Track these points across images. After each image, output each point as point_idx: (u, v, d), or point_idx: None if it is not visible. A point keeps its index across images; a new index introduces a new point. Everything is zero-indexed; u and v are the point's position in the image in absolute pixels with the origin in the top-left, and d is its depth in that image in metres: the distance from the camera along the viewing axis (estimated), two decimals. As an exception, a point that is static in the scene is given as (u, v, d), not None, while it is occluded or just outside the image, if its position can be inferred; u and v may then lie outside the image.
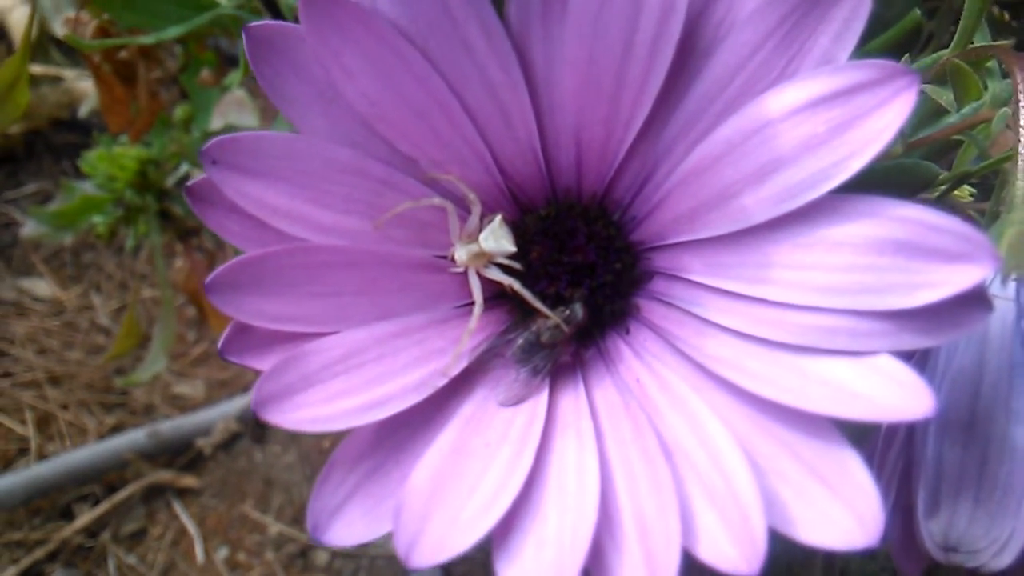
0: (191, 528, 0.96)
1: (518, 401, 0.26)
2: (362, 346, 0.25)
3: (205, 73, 0.63)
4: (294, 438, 1.00)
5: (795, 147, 0.23)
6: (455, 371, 0.26)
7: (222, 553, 0.94)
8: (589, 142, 0.27)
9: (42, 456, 1.00)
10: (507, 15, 0.25)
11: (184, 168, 0.66)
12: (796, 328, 0.24)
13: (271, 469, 1.00)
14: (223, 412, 1.02)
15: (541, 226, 0.28)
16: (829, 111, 0.23)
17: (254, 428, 1.02)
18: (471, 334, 0.26)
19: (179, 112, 0.67)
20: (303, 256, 0.25)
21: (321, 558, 0.93)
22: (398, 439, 0.25)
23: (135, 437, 1.00)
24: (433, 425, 0.26)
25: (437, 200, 0.27)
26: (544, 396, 0.26)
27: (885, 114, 0.22)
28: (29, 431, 1.02)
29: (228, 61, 0.66)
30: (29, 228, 0.68)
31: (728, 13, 0.24)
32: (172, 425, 1.01)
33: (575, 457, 0.24)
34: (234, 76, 0.53)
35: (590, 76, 0.25)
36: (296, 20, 0.25)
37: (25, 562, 0.92)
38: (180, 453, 1.01)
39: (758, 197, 0.24)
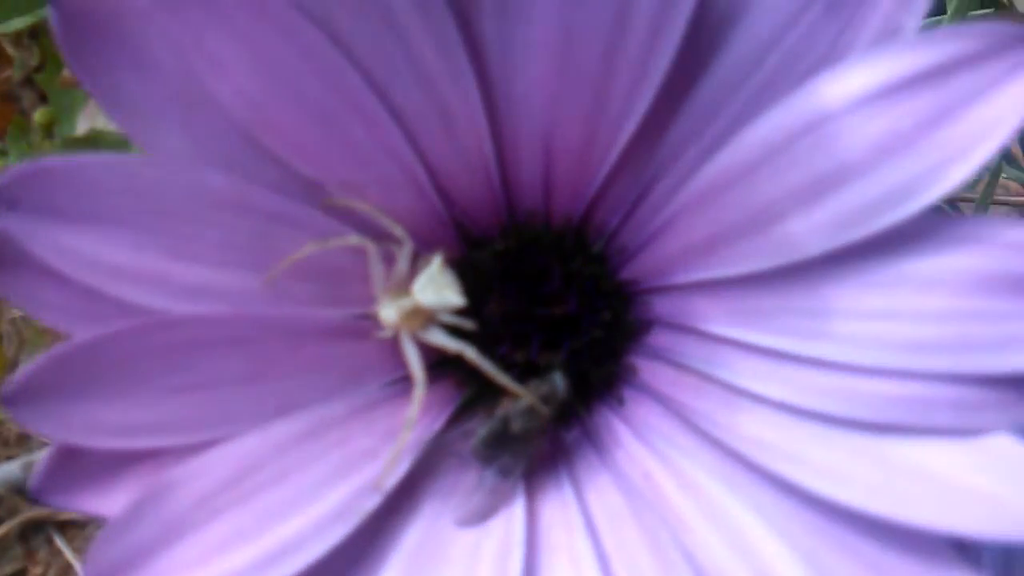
0: (76, 564, 0.85)
1: (483, 517, 0.19)
2: (255, 461, 0.18)
3: (67, 72, 0.54)
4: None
5: (867, 152, 0.16)
6: (391, 482, 0.18)
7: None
8: (563, 148, 0.19)
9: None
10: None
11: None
12: (873, 400, 0.17)
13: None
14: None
15: (498, 265, 0.20)
16: (915, 99, 0.16)
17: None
18: (412, 425, 0.19)
19: (39, 116, 0.57)
20: (160, 335, 0.17)
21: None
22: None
23: (9, 470, 0.88)
24: (365, 567, 0.18)
25: (353, 239, 0.19)
26: (519, 507, 0.19)
27: (998, 99, 0.16)
28: None
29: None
30: None
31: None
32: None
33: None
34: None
35: (566, 57, 0.18)
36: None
37: None
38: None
39: (812, 221, 0.17)
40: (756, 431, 0.18)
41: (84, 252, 0.17)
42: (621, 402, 0.20)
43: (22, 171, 0.16)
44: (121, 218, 0.17)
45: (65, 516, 0.86)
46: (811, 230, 0.17)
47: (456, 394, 0.20)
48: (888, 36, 0.17)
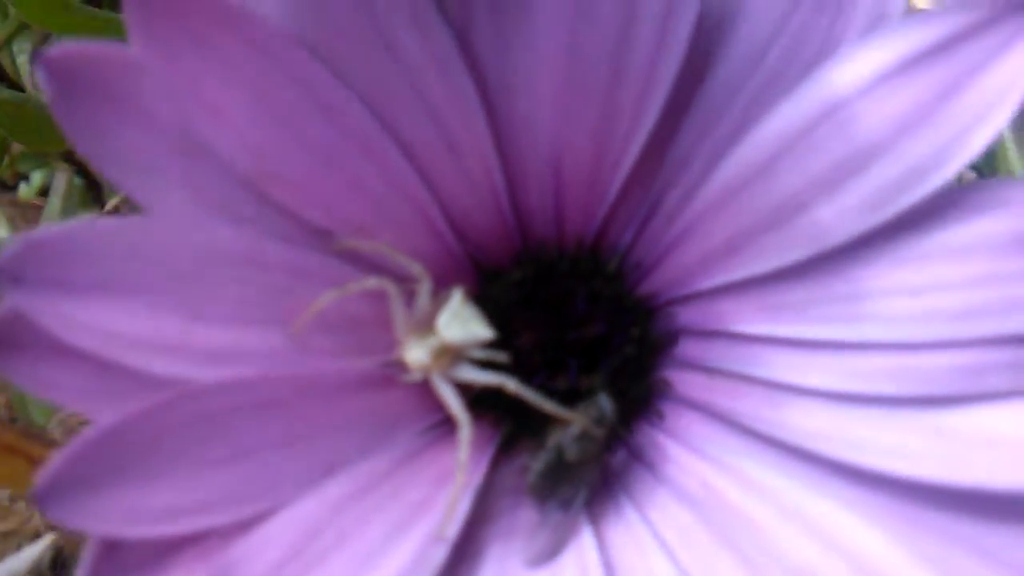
0: None
1: (553, 554, 0.18)
2: (315, 526, 0.16)
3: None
4: None
5: (886, 131, 0.17)
6: (454, 529, 0.17)
7: None
8: (572, 170, 0.19)
9: None
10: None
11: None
12: (924, 374, 0.17)
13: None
14: (10, 570, 0.83)
15: (518, 295, 0.20)
16: (927, 73, 0.17)
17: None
18: (464, 468, 0.18)
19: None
20: (188, 407, 0.16)
21: None
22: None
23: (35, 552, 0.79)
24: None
25: (371, 281, 0.18)
26: (587, 536, 0.18)
27: (1006, 65, 0.16)
28: None
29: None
30: None
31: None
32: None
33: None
34: None
35: (570, 77, 0.18)
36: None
37: None
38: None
39: (838, 207, 0.17)
40: (807, 423, 0.18)
41: (96, 323, 0.15)
42: (661, 417, 0.20)
43: (20, 246, 0.15)
44: (130, 285, 0.16)
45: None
46: (838, 216, 0.17)
47: (494, 432, 0.20)
48: (877, 21, 0.17)
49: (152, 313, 0.16)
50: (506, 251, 0.20)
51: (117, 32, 0.35)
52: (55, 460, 0.14)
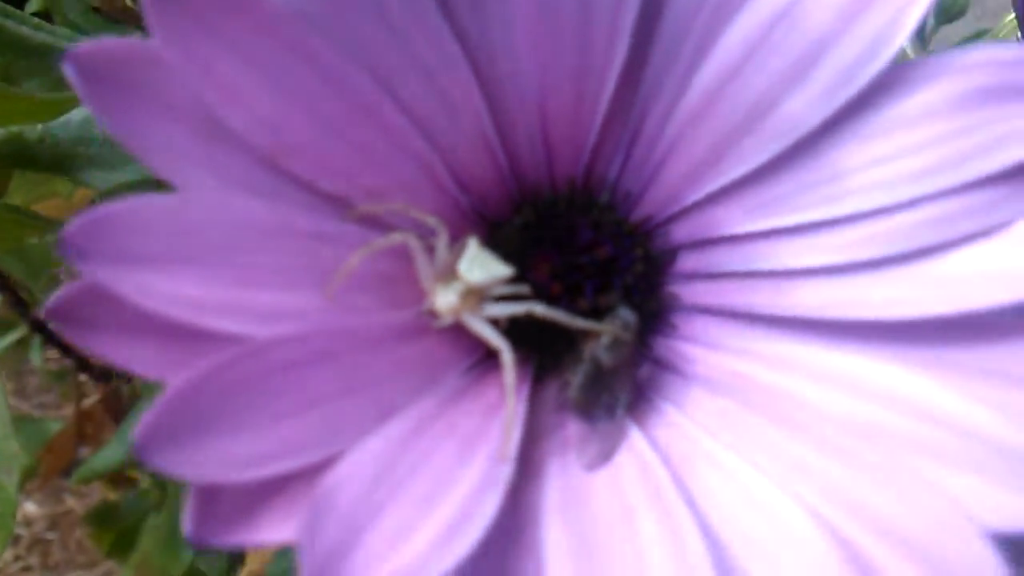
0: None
1: (608, 456, 0.19)
2: (387, 459, 0.17)
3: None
4: None
5: (835, 19, 0.19)
6: (513, 448, 0.18)
7: None
8: (557, 111, 0.21)
9: None
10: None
11: None
12: (904, 232, 0.19)
13: None
14: None
15: (529, 236, 0.21)
16: (860, -34, 0.19)
17: None
18: (513, 389, 0.19)
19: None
20: (257, 360, 0.17)
21: None
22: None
23: None
24: (526, 536, 0.18)
25: (397, 237, 0.19)
26: (637, 436, 0.19)
27: (924, -51, 0.19)
28: None
29: None
30: None
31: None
32: None
33: (740, 491, 0.18)
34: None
35: (545, 20, 0.20)
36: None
37: None
38: None
39: (805, 97, 0.19)
40: (813, 298, 0.20)
41: (164, 289, 0.16)
42: (675, 327, 0.21)
43: (85, 222, 0.15)
44: (180, 256, 0.17)
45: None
46: (806, 105, 0.19)
47: (527, 363, 0.21)
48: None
49: (203, 281, 0.17)
50: (505, 200, 0.21)
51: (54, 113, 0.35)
52: (147, 416, 0.15)
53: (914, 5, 0.19)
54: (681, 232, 0.21)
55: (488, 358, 0.20)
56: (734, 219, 0.21)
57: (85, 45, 0.16)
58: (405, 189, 0.20)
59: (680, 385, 0.20)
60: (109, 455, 0.56)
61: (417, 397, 0.19)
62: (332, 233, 0.19)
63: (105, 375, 0.64)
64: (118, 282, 0.15)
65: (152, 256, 0.16)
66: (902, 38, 0.19)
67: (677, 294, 0.21)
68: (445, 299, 0.19)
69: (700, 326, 0.21)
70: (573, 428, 0.19)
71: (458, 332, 0.20)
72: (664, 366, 0.21)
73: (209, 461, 0.15)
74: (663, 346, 0.21)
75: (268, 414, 0.16)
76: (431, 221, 0.20)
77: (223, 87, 0.17)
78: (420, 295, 0.20)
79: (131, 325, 0.16)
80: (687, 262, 0.22)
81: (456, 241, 0.20)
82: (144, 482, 0.60)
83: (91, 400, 0.69)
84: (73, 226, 0.15)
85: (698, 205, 0.21)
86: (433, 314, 0.19)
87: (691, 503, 0.18)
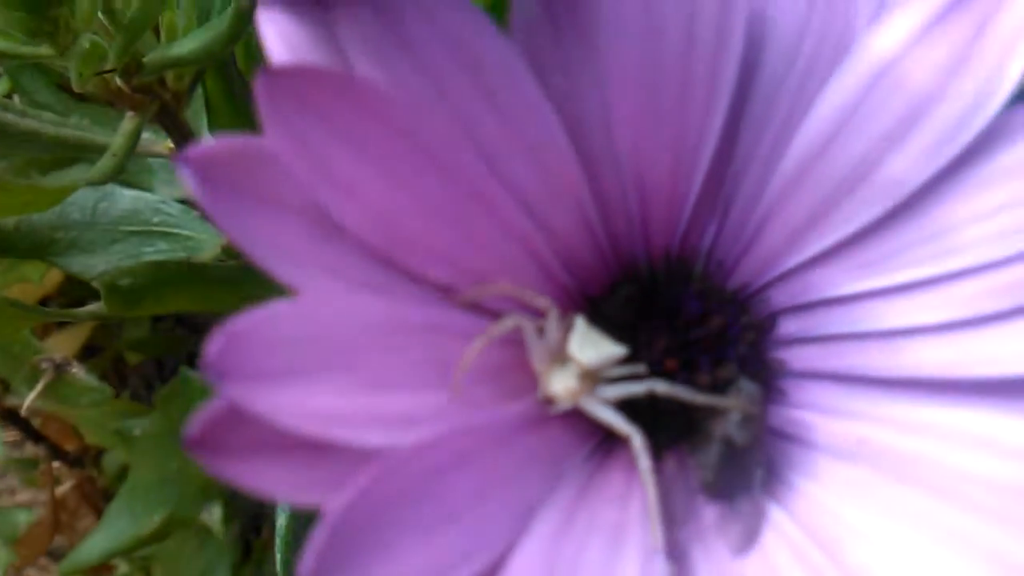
0: None
1: (753, 537, 0.18)
2: (551, 558, 0.16)
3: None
4: None
5: (935, 78, 0.19)
6: (661, 540, 0.17)
7: None
8: (655, 184, 0.20)
9: None
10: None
11: None
12: (1012, 286, 0.19)
13: None
14: None
15: (633, 310, 0.21)
16: (957, 21, 0.19)
17: None
18: (650, 476, 0.18)
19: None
20: (404, 471, 0.16)
21: None
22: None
23: None
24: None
25: (510, 321, 0.18)
26: (779, 514, 0.18)
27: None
28: None
29: None
30: None
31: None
32: None
33: (899, 566, 0.17)
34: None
35: (646, 92, 0.19)
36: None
37: None
38: None
39: (908, 157, 0.19)
40: (926, 356, 0.19)
41: (302, 406, 0.15)
42: (785, 395, 0.21)
43: (222, 340, 0.14)
44: (312, 364, 0.16)
45: None
46: (910, 164, 0.19)
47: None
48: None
49: (335, 388, 0.16)
50: (604, 275, 0.21)
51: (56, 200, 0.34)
52: (310, 549, 0.14)
53: (1015, 55, 0.19)
54: (780, 296, 0.21)
55: (605, 442, 0.19)
56: (836, 281, 0.20)
57: (199, 147, 0.15)
58: (509, 271, 0.19)
59: (804, 456, 0.20)
60: (94, 546, 0.53)
61: (550, 491, 0.18)
62: (440, 324, 0.18)
63: (78, 461, 0.62)
64: (254, 402, 0.14)
65: (284, 370, 0.15)
66: (1006, 90, 0.19)
67: (783, 360, 0.21)
68: (562, 383, 0.19)
69: (812, 392, 0.21)
70: (709, 511, 0.19)
71: (572, 418, 0.19)
72: (783, 436, 0.20)
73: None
74: (778, 415, 0.21)
75: (423, 527, 0.15)
76: (541, 302, 0.19)
77: (339, 182, 0.17)
78: (530, 383, 0.19)
79: (270, 448, 0.15)
80: (789, 326, 0.21)
81: (561, 321, 0.20)
82: (121, 569, 0.57)
83: (65, 487, 0.66)
84: (212, 348, 0.14)
85: (797, 269, 0.21)
86: (550, 400, 0.19)
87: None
